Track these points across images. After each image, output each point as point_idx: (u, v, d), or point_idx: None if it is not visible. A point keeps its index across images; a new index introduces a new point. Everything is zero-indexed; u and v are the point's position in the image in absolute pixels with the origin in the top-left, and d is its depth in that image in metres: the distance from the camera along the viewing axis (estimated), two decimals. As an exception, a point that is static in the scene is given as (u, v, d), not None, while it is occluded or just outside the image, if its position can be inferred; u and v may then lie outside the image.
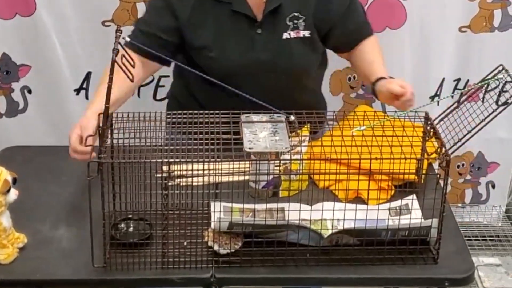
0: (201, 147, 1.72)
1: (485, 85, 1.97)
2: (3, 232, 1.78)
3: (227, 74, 2.11)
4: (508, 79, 1.95)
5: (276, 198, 1.93)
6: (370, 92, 2.39)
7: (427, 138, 1.89)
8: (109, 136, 1.80)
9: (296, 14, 2.15)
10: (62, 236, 1.91)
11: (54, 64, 2.84)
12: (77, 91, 2.91)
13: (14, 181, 1.78)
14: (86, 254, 1.78)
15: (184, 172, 1.77)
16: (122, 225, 1.86)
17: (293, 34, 2.17)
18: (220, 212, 1.78)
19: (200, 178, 1.76)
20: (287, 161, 1.89)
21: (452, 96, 2.60)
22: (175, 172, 1.80)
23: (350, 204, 1.91)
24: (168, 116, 1.84)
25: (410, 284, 1.89)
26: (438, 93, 2.98)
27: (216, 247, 1.78)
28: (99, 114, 1.77)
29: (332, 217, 1.79)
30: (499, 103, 1.90)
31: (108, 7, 2.77)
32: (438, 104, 2.86)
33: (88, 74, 2.88)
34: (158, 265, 1.77)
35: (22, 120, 2.99)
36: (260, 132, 1.80)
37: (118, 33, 1.72)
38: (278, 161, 1.87)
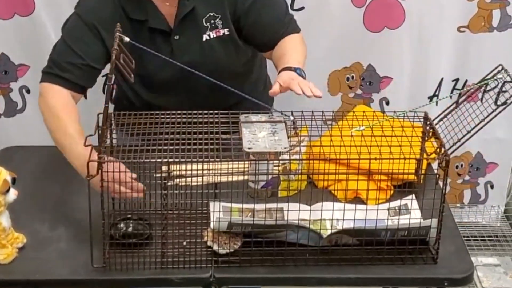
0: (200, 147, 1.72)
1: (484, 85, 1.97)
2: (2, 232, 1.78)
3: (158, 85, 2.15)
4: (508, 79, 1.95)
5: (275, 198, 1.93)
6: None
7: (426, 138, 1.89)
8: (108, 136, 1.80)
9: (211, 13, 2.13)
10: (61, 236, 1.91)
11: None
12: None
13: (14, 181, 1.78)
14: (85, 254, 1.77)
15: (183, 172, 1.77)
16: (122, 225, 1.86)
17: (212, 34, 2.15)
18: (219, 212, 1.78)
19: (199, 178, 1.76)
20: (286, 161, 1.89)
21: (451, 97, 2.60)
22: (174, 172, 1.79)
23: (349, 204, 1.91)
24: (163, 116, 1.84)
25: (409, 284, 1.89)
26: (436, 93, 2.98)
27: (215, 247, 1.78)
28: (98, 114, 1.77)
29: (332, 217, 1.79)
30: (498, 103, 1.90)
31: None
32: (436, 105, 2.87)
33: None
34: (158, 265, 1.77)
35: (20, 120, 2.99)
36: (259, 132, 1.80)
37: (117, 33, 1.72)
38: (277, 161, 1.87)
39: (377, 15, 2.83)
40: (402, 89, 2.98)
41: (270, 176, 1.91)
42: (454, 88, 2.99)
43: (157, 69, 2.14)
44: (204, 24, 2.13)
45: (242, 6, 2.14)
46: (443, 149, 1.76)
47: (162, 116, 1.84)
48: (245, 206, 1.81)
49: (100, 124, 1.74)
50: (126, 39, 1.73)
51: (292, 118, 1.86)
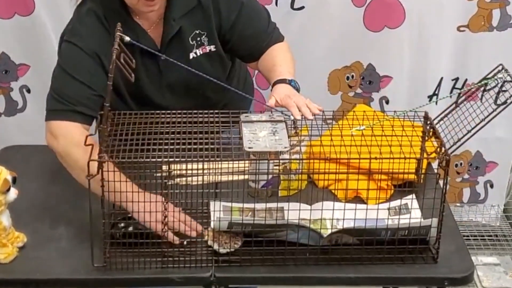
0: (201, 146, 1.72)
1: (484, 85, 1.97)
2: (3, 231, 1.78)
3: (160, 103, 2.13)
4: (508, 78, 1.95)
5: (275, 197, 1.93)
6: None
7: (426, 138, 1.89)
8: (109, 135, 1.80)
9: (197, 31, 2.12)
10: (61, 235, 1.91)
11: (53, 63, 2.82)
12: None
13: (14, 180, 1.78)
14: (85, 253, 1.78)
15: (184, 172, 1.77)
16: (122, 224, 1.86)
17: (199, 51, 2.14)
18: (219, 212, 1.78)
19: (200, 178, 1.76)
20: (287, 161, 1.89)
21: (451, 96, 2.60)
22: (175, 172, 1.80)
23: (349, 203, 1.91)
24: (163, 116, 1.84)
25: (409, 284, 1.89)
26: (436, 92, 2.98)
27: (216, 246, 1.78)
28: (99, 114, 1.76)
29: (332, 216, 1.79)
30: (498, 102, 1.90)
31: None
32: (436, 104, 2.87)
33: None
34: (158, 264, 1.78)
35: (21, 119, 3.00)
36: (260, 132, 1.80)
37: (118, 32, 1.72)
38: (278, 161, 1.87)
39: (377, 14, 2.83)
40: (402, 88, 2.98)
41: (270, 176, 1.92)
42: (453, 88, 2.99)
43: (147, 86, 2.13)
44: (190, 42, 2.12)
45: (227, 21, 2.14)
46: (443, 149, 1.76)
47: (163, 116, 1.84)
48: (246, 205, 1.81)
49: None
50: (127, 38, 1.73)
51: (292, 117, 1.86)
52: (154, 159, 1.69)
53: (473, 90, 2.02)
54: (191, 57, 2.13)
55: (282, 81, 2.04)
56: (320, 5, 2.83)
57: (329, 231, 1.79)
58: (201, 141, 1.74)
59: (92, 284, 1.80)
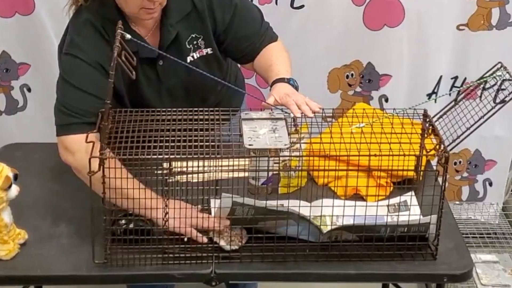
0: (201, 143, 1.73)
1: (483, 83, 1.98)
2: (4, 228, 1.79)
3: (150, 107, 2.07)
4: (507, 76, 1.96)
5: (275, 194, 1.94)
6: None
7: (425, 135, 1.90)
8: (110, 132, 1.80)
9: (193, 35, 2.12)
10: (62, 232, 1.92)
11: (53, 62, 2.82)
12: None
13: (16, 177, 1.79)
14: (86, 250, 1.79)
15: (184, 169, 1.78)
16: (123, 221, 1.87)
17: (196, 55, 2.14)
18: (220, 200, 1.78)
19: (200, 175, 1.77)
20: (287, 158, 1.90)
21: (450, 94, 2.61)
22: (175, 169, 1.80)
23: (349, 201, 1.91)
24: (163, 113, 1.84)
25: (409, 280, 1.90)
26: (435, 90, 2.99)
27: (222, 243, 1.79)
28: (99, 111, 1.77)
29: (332, 213, 1.80)
30: (497, 100, 1.91)
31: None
32: (435, 102, 2.88)
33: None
34: (159, 260, 1.79)
35: (21, 118, 3.01)
36: (260, 129, 1.81)
37: (119, 30, 1.72)
38: (278, 158, 1.88)
39: (377, 13, 2.84)
40: (401, 87, 2.99)
41: (270, 173, 1.93)
42: (453, 86, 3.00)
43: (147, 92, 2.13)
44: (187, 46, 2.12)
45: (222, 24, 2.14)
46: (442, 146, 1.76)
47: (163, 114, 1.84)
48: (246, 202, 1.82)
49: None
50: (128, 36, 1.74)
51: (292, 115, 1.87)
52: (155, 156, 1.70)
53: (472, 87, 2.03)
54: (188, 60, 2.13)
55: (281, 80, 2.05)
56: (320, 4, 2.83)
57: (329, 228, 1.80)
58: (201, 138, 1.75)
59: (93, 281, 1.81)
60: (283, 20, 2.80)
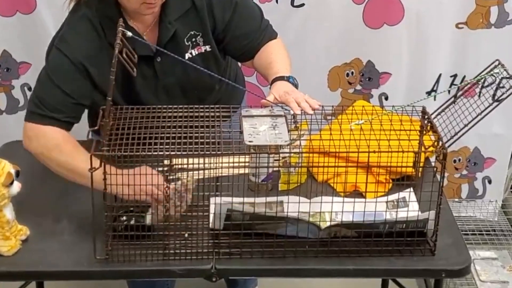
0: (202, 140, 1.74)
1: (482, 80, 2.00)
2: (6, 224, 1.80)
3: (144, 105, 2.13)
4: (504, 74, 1.97)
5: (275, 191, 1.95)
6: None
7: (424, 132, 1.91)
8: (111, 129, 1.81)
9: (192, 32, 2.13)
10: (64, 228, 1.93)
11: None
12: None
13: (17, 174, 1.80)
14: (88, 246, 1.80)
15: (185, 166, 1.79)
16: (124, 217, 1.88)
17: (194, 52, 2.15)
18: (220, 205, 1.79)
19: (201, 172, 1.78)
20: (287, 154, 1.91)
21: (449, 91, 2.62)
22: (176, 166, 1.81)
23: (348, 198, 1.92)
24: (164, 110, 1.86)
25: (407, 275, 1.91)
26: (434, 88, 3.00)
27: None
28: (100, 108, 1.78)
29: (331, 209, 1.80)
30: (495, 97, 1.92)
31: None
32: (435, 100, 2.89)
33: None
34: (160, 256, 1.79)
35: (22, 117, 2.95)
36: (260, 126, 1.82)
37: (120, 28, 1.73)
38: (278, 155, 1.89)
39: (377, 11, 2.85)
40: (401, 85, 3.00)
41: (270, 170, 1.94)
42: (452, 84, 3.00)
43: (143, 89, 2.15)
44: (186, 43, 2.13)
45: (222, 21, 2.15)
46: (440, 143, 1.77)
47: (164, 111, 1.85)
48: (246, 200, 1.83)
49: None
50: (129, 33, 1.75)
51: (292, 112, 1.88)
52: (156, 153, 1.71)
53: (469, 85, 2.04)
54: (186, 57, 2.13)
55: (280, 78, 2.06)
56: (320, 2, 2.84)
57: (328, 223, 1.81)
58: (202, 135, 1.76)
59: (95, 276, 1.83)
60: (283, 18, 2.81)
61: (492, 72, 1.97)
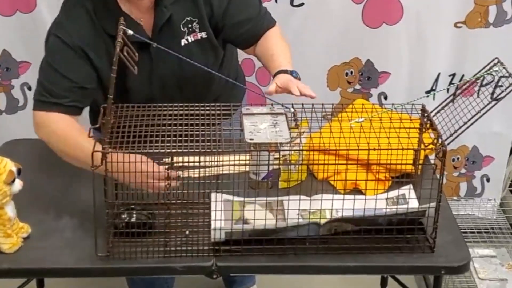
0: (202, 138, 1.75)
1: (481, 79, 2.00)
2: (7, 221, 1.81)
3: (146, 96, 2.15)
4: (503, 72, 1.98)
5: (275, 189, 1.96)
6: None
7: (423, 130, 1.92)
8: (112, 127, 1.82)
9: (188, 18, 2.14)
10: (65, 225, 1.93)
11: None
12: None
13: (19, 172, 1.81)
14: (89, 243, 1.81)
15: (186, 164, 1.80)
16: (125, 215, 1.89)
17: (191, 38, 2.15)
18: (221, 212, 1.79)
19: (201, 169, 1.78)
20: (287, 152, 1.92)
21: (448, 89, 2.63)
22: (176, 164, 1.82)
23: (348, 195, 1.93)
24: (165, 108, 1.86)
25: (407, 272, 1.91)
26: (433, 87, 3.01)
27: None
28: (102, 106, 1.79)
29: (331, 207, 1.81)
30: (494, 96, 1.93)
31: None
32: (434, 99, 2.90)
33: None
34: (160, 254, 1.80)
35: (21, 117, 3.01)
36: (261, 124, 1.82)
37: (121, 26, 1.74)
38: (278, 153, 1.90)
39: (376, 11, 2.86)
40: (400, 84, 3.01)
41: (271, 168, 1.94)
42: (451, 83, 3.01)
43: (137, 78, 2.14)
44: (182, 29, 2.14)
45: (219, 9, 2.16)
46: (440, 140, 1.78)
47: (165, 109, 1.86)
48: (246, 199, 1.83)
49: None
50: (130, 32, 1.76)
51: (292, 110, 1.89)
52: (156, 151, 1.72)
53: (468, 84, 2.05)
54: (182, 43, 2.14)
55: (284, 71, 2.07)
56: (319, 2, 2.85)
57: (328, 219, 1.82)
58: (203, 133, 1.77)
59: (96, 273, 1.83)
60: (283, 18, 2.80)
61: (491, 71, 1.98)
